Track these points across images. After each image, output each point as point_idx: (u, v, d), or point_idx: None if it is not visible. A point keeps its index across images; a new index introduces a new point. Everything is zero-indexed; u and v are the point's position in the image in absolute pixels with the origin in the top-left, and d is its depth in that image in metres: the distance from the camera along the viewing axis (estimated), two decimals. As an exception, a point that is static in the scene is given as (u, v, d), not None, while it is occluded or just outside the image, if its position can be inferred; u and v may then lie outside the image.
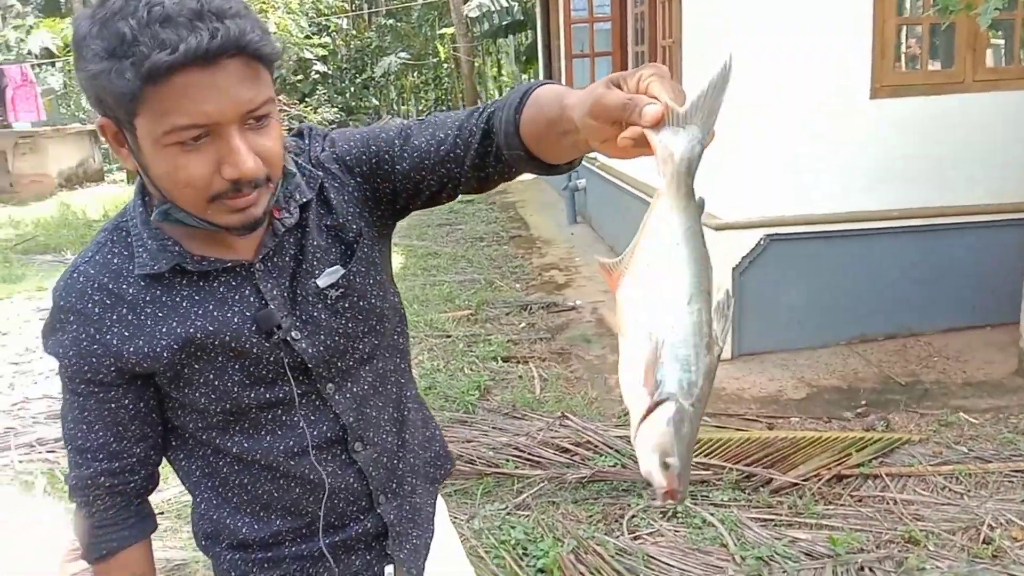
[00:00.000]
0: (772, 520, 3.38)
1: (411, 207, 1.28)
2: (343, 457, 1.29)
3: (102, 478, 1.26)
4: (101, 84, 1.00)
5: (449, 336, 5.84)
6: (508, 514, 3.43)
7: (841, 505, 3.47)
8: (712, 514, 3.41)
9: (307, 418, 1.26)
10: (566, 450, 3.99)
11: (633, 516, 3.44)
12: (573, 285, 7.20)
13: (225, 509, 1.32)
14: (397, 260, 8.66)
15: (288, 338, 1.21)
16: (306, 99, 19.23)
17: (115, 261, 1.19)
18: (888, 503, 3.44)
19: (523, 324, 6.14)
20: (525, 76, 22.14)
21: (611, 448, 3.91)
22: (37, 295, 7.80)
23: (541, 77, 15.11)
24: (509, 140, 1.07)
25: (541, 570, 3.05)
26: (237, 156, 1.03)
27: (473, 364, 5.27)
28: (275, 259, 1.21)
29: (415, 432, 1.42)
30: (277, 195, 1.15)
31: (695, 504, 3.48)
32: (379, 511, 1.34)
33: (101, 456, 1.25)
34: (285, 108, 17.72)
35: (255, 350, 1.19)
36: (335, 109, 18.97)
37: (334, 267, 1.22)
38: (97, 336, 1.18)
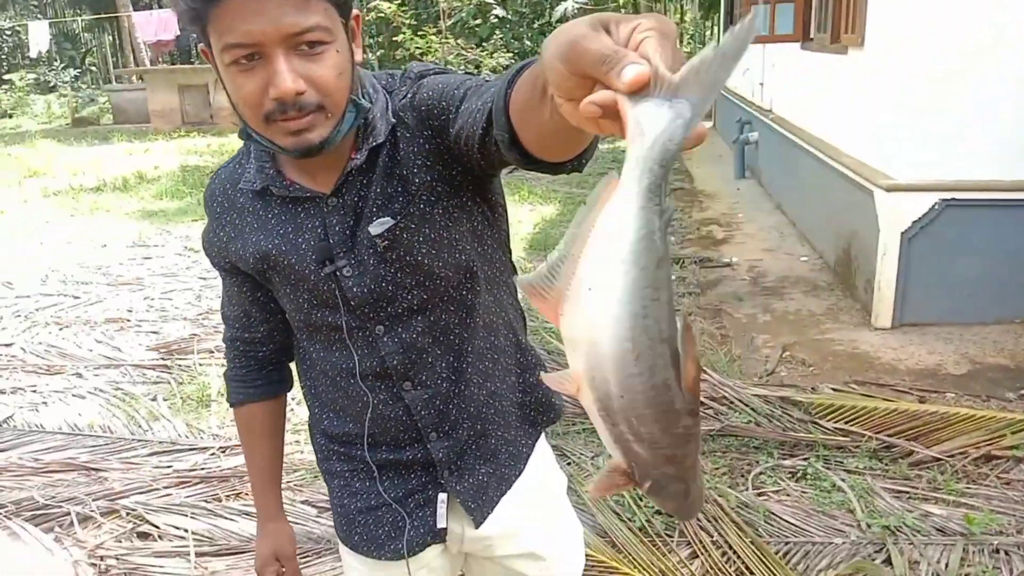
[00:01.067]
0: (907, 493, 3.26)
1: (486, 173, 1.23)
2: (393, 390, 1.38)
3: (238, 342, 1.53)
4: (180, 7, 1.11)
5: (597, 284, 5.89)
6: (634, 457, 3.49)
7: (986, 486, 3.29)
8: (843, 479, 3.33)
9: (359, 349, 1.36)
10: (700, 403, 3.97)
11: (760, 473, 3.42)
12: (732, 241, 7.05)
13: (317, 401, 1.51)
14: (546, 207, 8.74)
15: (338, 273, 1.29)
16: (483, 43, 19.49)
17: (237, 171, 1.38)
18: (1039, 490, 3.23)
19: (673, 278, 6.10)
20: (707, 23, 21.39)
21: (747, 406, 3.88)
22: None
23: (723, 27, 14.51)
24: (498, 116, 0.91)
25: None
26: (277, 76, 1.08)
27: (619, 312, 5.30)
28: (346, 196, 1.26)
29: (501, 379, 1.45)
30: (350, 130, 1.20)
31: (828, 468, 3.42)
32: (428, 446, 1.42)
33: (236, 325, 1.52)
34: (463, 52, 18.07)
35: (312, 277, 1.30)
36: (510, 54, 19.11)
37: (385, 217, 1.24)
38: (217, 231, 1.40)
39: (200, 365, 4.73)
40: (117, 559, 3.07)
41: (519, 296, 1.47)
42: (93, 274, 6.76)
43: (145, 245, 7.72)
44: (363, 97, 1.21)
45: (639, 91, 0.59)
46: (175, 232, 8.22)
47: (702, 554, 2.89)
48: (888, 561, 2.85)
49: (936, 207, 4.77)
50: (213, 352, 4.90)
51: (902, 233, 4.85)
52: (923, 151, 4.72)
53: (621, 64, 0.60)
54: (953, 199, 4.74)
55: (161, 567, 3.02)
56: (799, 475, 3.41)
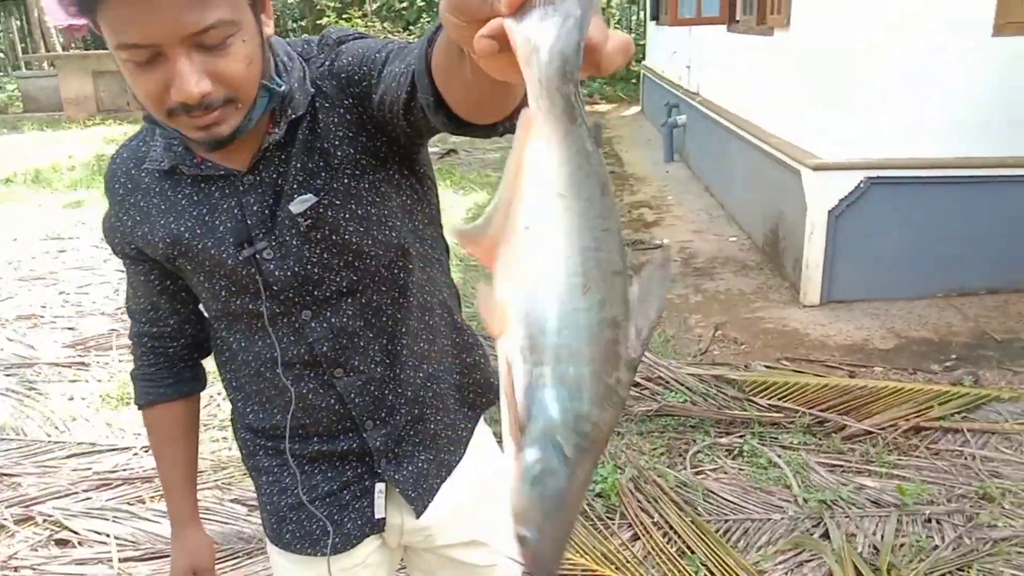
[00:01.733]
0: (841, 466, 3.31)
1: (412, 142, 1.17)
2: (323, 378, 1.30)
3: (145, 338, 1.42)
4: None
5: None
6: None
7: (916, 457, 3.36)
8: (779, 456, 3.36)
9: (284, 337, 1.27)
10: (636, 384, 3.97)
11: (698, 452, 3.43)
12: (662, 224, 7.09)
13: (239, 394, 1.40)
14: (478, 194, 8.67)
15: (258, 256, 1.20)
16: (410, 27, 19.24)
17: (141, 150, 1.26)
18: (966, 458, 3.31)
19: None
20: (633, 7, 21.50)
21: (682, 385, 3.89)
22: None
23: (648, 12, 14.60)
24: (420, 79, 0.87)
25: (599, 495, 3.09)
26: (180, 79, 1.00)
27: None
28: (263, 174, 1.18)
29: (438, 360, 1.39)
30: (263, 115, 1.12)
31: (763, 445, 3.44)
32: (364, 435, 1.35)
33: (143, 319, 1.40)
34: (389, 35, 17.80)
35: (229, 262, 1.21)
36: (439, 38, 18.87)
37: (307, 195, 1.16)
38: (120, 215, 1.28)
39: (120, 361, 4.52)
40: (33, 569, 2.90)
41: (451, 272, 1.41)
42: (3, 269, 6.42)
43: (59, 238, 7.37)
44: (277, 75, 1.13)
45: (520, 9, 0.53)
46: (91, 224, 7.87)
47: (643, 535, 2.88)
48: (826, 535, 2.88)
49: (862, 185, 4.85)
50: (134, 347, 4.70)
51: (829, 211, 4.92)
52: (848, 129, 4.80)
53: None
54: (879, 177, 4.83)
55: (82, 575, 2.87)
56: (736, 453, 3.42)
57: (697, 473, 3.28)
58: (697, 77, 8.76)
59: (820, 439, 3.52)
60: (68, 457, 3.61)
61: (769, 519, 2.98)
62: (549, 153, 0.53)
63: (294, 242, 1.20)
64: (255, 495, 1.48)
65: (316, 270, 1.22)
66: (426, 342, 1.36)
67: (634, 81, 16.14)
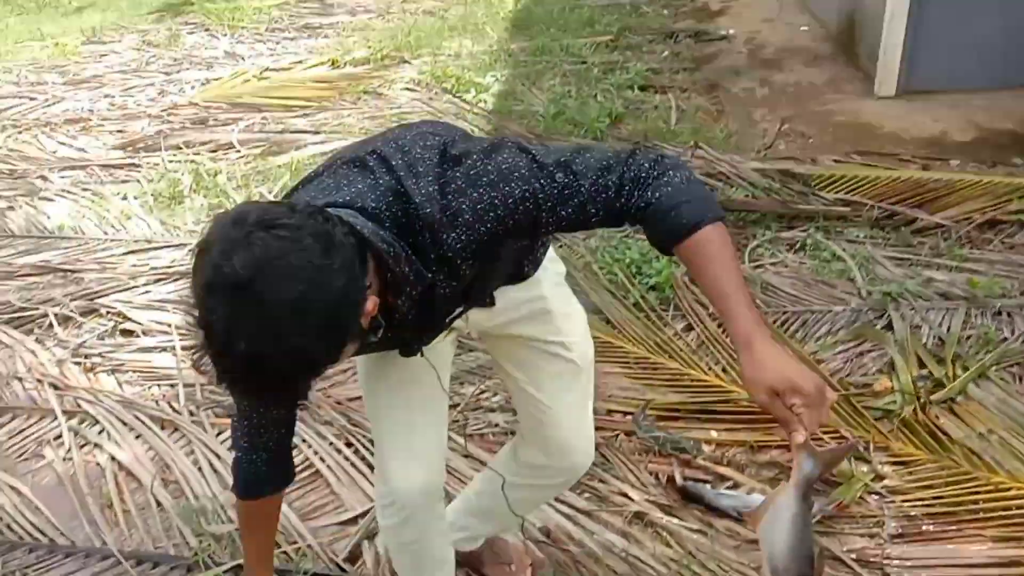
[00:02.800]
0: (908, 260, 3.18)
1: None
2: None
3: (254, 430, 1.44)
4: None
5: (584, 63, 5.55)
6: (626, 236, 3.36)
7: (989, 251, 3.20)
8: (844, 249, 3.23)
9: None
10: (696, 180, 3.81)
11: (757, 246, 3.31)
12: (728, 13, 6.59)
13: None
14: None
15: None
16: None
17: None
18: (1045, 252, 3.15)
19: (666, 53, 5.74)
20: None
21: (744, 180, 3.71)
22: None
23: None
24: (657, 247, 1.30)
25: (653, 287, 3.03)
26: None
27: (607, 92, 5.02)
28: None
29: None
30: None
31: (827, 239, 3.31)
32: None
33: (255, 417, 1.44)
34: None
35: None
36: None
37: (456, 310, 1.40)
38: None
39: (170, 162, 4.49)
40: (102, 356, 3.00)
41: None
42: (48, 74, 6.34)
43: (100, 42, 7.21)
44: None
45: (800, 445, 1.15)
46: (131, 27, 7.66)
47: (697, 326, 2.83)
48: (889, 326, 2.80)
49: (953, -41, 4.38)
50: (181, 148, 4.65)
51: (914, -9, 4.48)
52: None
53: (792, 427, 1.14)
54: (972, -51, 4.34)
55: (147, 362, 2.96)
56: (798, 246, 3.31)
57: (756, 267, 3.18)
58: None
59: (888, 233, 3.37)
60: (126, 254, 3.66)
61: (830, 311, 2.91)
62: (790, 504, 1.17)
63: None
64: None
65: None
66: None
67: None
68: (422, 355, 1.45)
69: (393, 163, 1.24)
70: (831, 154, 4.06)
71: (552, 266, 1.60)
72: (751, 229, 3.43)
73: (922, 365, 2.60)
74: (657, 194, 1.21)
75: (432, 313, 1.33)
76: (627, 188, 1.23)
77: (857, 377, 2.59)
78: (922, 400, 2.42)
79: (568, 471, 1.75)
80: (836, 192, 3.61)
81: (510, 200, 1.22)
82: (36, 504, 2.39)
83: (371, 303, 1.13)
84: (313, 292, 1.01)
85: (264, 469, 1.47)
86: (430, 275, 1.24)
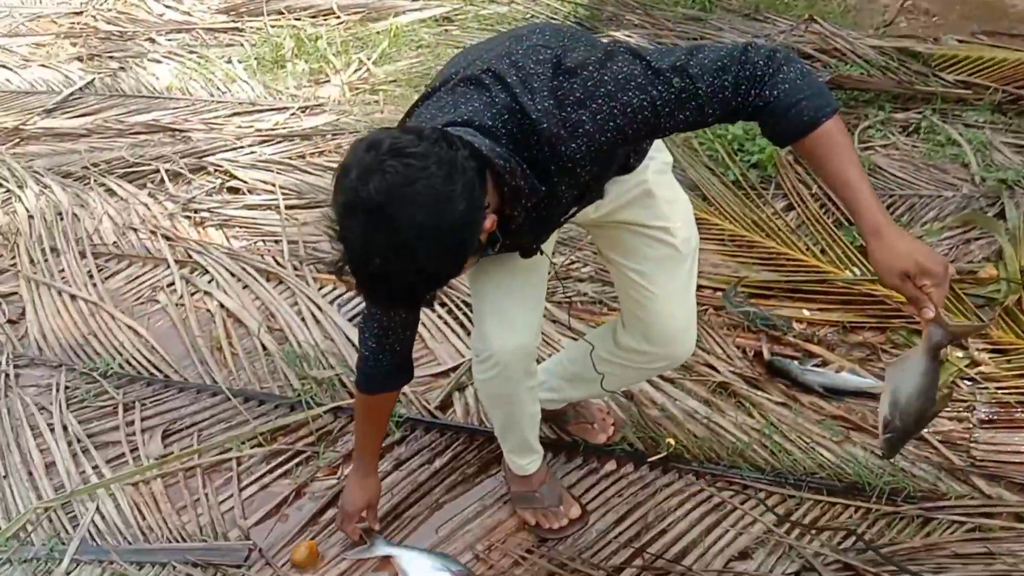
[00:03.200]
0: (1030, 146, 3.00)
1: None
2: None
3: (386, 332, 1.57)
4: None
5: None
6: (729, 112, 3.26)
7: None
8: (960, 133, 3.07)
9: None
10: (807, 56, 3.63)
11: (868, 127, 3.18)
12: None
13: None
14: None
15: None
16: None
17: None
18: None
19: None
20: None
21: (860, 57, 3.52)
22: None
23: None
24: (774, 142, 1.33)
25: (754, 165, 2.96)
26: None
27: (718, -39, 4.77)
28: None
29: None
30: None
31: (944, 122, 3.14)
32: None
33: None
34: None
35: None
36: None
37: (570, 211, 1.45)
38: None
39: (272, 27, 4.52)
40: (210, 212, 3.14)
41: None
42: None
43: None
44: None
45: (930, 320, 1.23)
46: None
47: (799, 205, 2.77)
48: (1001, 214, 2.68)
49: None
50: (284, 13, 4.67)
51: None
52: None
53: (922, 305, 1.21)
54: None
55: (253, 219, 3.08)
56: (911, 129, 3.16)
57: (865, 149, 3.06)
58: None
59: (1010, 119, 3.18)
60: (231, 115, 3.76)
61: (939, 196, 2.80)
62: (921, 364, 1.28)
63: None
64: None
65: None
66: None
67: None
68: (541, 253, 1.52)
69: (508, 80, 1.27)
70: (956, 33, 3.80)
71: (659, 155, 1.60)
72: (863, 109, 3.28)
73: (1033, 254, 2.50)
74: (775, 92, 1.23)
75: (548, 218, 1.41)
76: (743, 87, 1.24)
77: (962, 263, 2.51)
78: (1029, 289, 2.34)
79: (668, 358, 1.77)
80: (957, 73, 3.40)
81: (629, 109, 1.24)
82: (152, 344, 2.57)
83: (489, 221, 1.21)
84: (437, 217, 1.11)
85: (387, 368, 1.61)
86: (544, 187, 1.30)
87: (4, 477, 2.20)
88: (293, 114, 3.70)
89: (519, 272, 1.59)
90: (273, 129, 3.59)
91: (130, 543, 2.00)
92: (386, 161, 1.10)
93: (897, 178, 2.87)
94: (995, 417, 2.07)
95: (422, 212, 1.10)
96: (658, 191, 1.58)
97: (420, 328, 2.47)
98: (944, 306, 1.25)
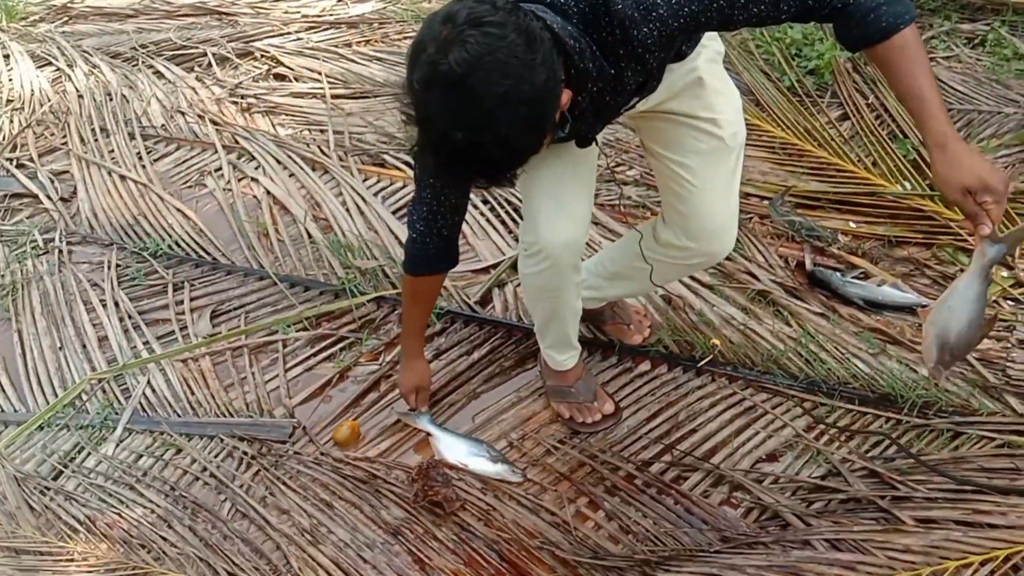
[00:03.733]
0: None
1: None
2: None
3: (436, 216, 1.58)
4: None
5: None
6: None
7: None
8: (1029, 47, 2.94)
9: None
10: None
11: (932, 38, 3.06)
12: None
13: None
14: None
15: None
16: None
17: None
18: None
19: None
20: None
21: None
22: None
23: None
24: (846, 46, 1.30)
25: (811, 72, 2.87)
26: None
27: None
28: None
29: None
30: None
31: (1012, 35, 3.01)
32: None
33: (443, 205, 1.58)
34: None
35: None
36: None
37: (631, 101, 1.42)
38: None
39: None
40: (257, 98, 3.14)
41: None
42: None
43: None
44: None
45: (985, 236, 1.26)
46: None
47: (854, 115, 2.70)
48: (1063, 133, 2.59)
49: None
50: None
51: None
52: None
53: (980, 221, 1.23)
54: None
55: (299, 107, 3.08)
56: (977, 41, 3.03)
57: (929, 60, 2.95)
58: None
59: (1087, 33, 3.04)
60: (278, 0, 3.71)
61: (1000, 112, 2.70)
62: (972, 286, 1.31)
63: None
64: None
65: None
66: None
67: None
68: (596, 144, 1.50)
69: None
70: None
71: (712, 44, 1.56)
72: (928, 19, 3.15)
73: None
74: None
75: (611, 105, 1.38)
76: None
77: (1017, 183, 2.44)
78: (1085, 212, 2.29)
79: (707, 254, 1.75)
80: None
81: None
82: (200, 227, 2.62)
83: (565, 96, 1.20)
84: (520, 86, 1.09)
85: (434, 251, 1.64)
86: (613, 71, 1.27)
87: (60, 348, 2.30)
88: (340, 0, 3.65)
89: (571, 163, 1.58)
90: (320, 15, 3.55)
91: (179, 416, 2.10)
92: (465, 31, 1.08)
93: (958, 92, 2.77)
94: (1035, 338, 2.06)
95: (505, 81, 1.08)
96: (709, 80, 1.55)
97: (463, 224, 2.51)
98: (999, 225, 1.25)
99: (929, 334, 1.36)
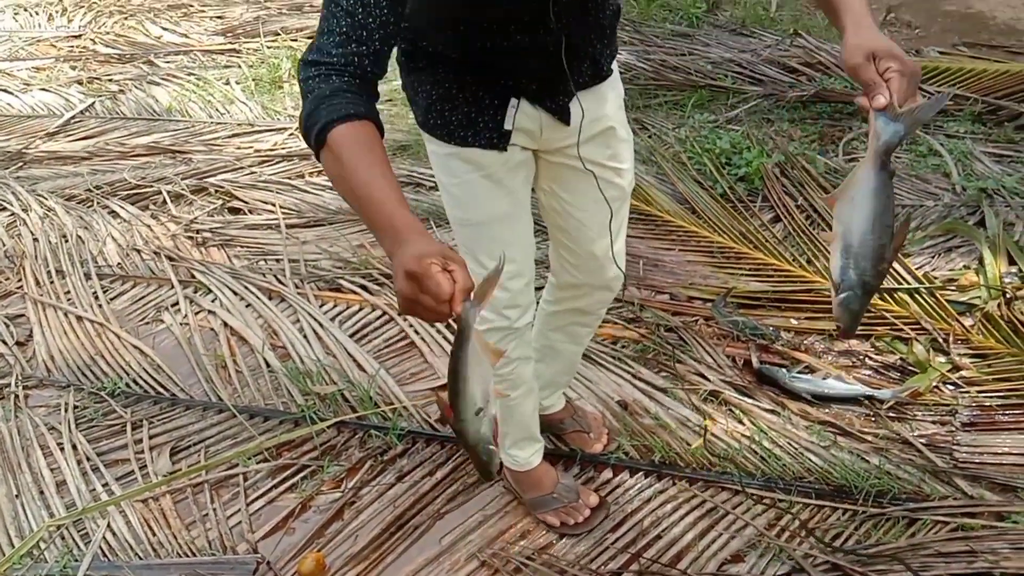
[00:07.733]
0: (1009, 156, 3.09)
1: None
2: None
3: (344, 59, 1.20)
4: None
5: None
6: (717, 126, 3.36)
7: (1101, 147, 3.08)
8: (942, 144, 3.15)
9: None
10: (793, 70, 3.74)
11: (853, 139, 3.27)
12: None
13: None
14: None
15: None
16: None
17: None
18: None
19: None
20: None
21: (844, 71, 3.61)
22: None
23: None
24: None
25: (742, 178, 3.04)
26: None
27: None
28: None
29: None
30: None
31: (925, 132, 3.23)
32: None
33: (351, 37, 1.21)
34: None
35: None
36: None
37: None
38: None
39: (268, 48, 4.61)
40: (212, 232, 3.21)
41: None
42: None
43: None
44: None
45: (881, 108, 1.09)
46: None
47: (785, 217, 2.85)
48: (981, 223, 2.76)
49: None
50: (279, 34, 4.76)
51: None
52: None
53: (875, 91, 1.09)
54: None
55: (254, 238, 3.15)
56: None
57: (850, 160, 3.15)
58: None
59: (990, 128, 3.27)
60: (230, 136, 3.83)
61: (921, 205, 2.87)
62: (868, 177, 1.11)
63: None
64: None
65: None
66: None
67: None
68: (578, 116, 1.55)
69: None
70: (937, 45, 3.91)
71: (618, 86, 1.65)
72: (847, 122, 3.37)
73: (1012, 262, 2.57)
74: None
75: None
76: None
77: (944, 271, 2.59)
78: (1008, 296, 2.41)
79: (604, 288, 1.83)
80: (939, 85, 3.49)
81: None
82: (158, 363, 2.63)
83: None
84: None
85: (351, 87, 1.19)
86: None
87: (16, 496, 2.26)
88: (291, 134, 3.78)
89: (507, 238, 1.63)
90: (272, 149, 3.67)
91: (141, 558, 2.06)
92: None
93: (880, 189, 2.95)
94: (976, 420, 2.14)
95: None
96: (620, 130, 1.65)
97: (419, 343, 2.56)
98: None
99: (832, 266, 1.16)
